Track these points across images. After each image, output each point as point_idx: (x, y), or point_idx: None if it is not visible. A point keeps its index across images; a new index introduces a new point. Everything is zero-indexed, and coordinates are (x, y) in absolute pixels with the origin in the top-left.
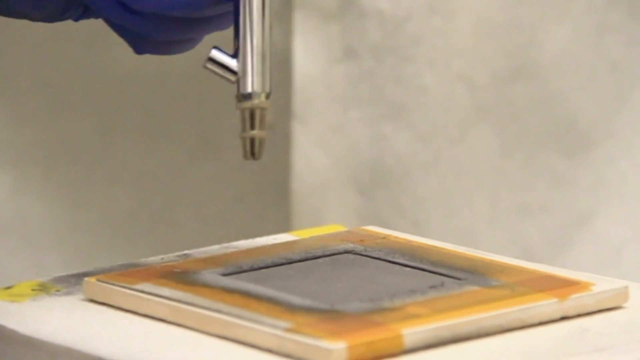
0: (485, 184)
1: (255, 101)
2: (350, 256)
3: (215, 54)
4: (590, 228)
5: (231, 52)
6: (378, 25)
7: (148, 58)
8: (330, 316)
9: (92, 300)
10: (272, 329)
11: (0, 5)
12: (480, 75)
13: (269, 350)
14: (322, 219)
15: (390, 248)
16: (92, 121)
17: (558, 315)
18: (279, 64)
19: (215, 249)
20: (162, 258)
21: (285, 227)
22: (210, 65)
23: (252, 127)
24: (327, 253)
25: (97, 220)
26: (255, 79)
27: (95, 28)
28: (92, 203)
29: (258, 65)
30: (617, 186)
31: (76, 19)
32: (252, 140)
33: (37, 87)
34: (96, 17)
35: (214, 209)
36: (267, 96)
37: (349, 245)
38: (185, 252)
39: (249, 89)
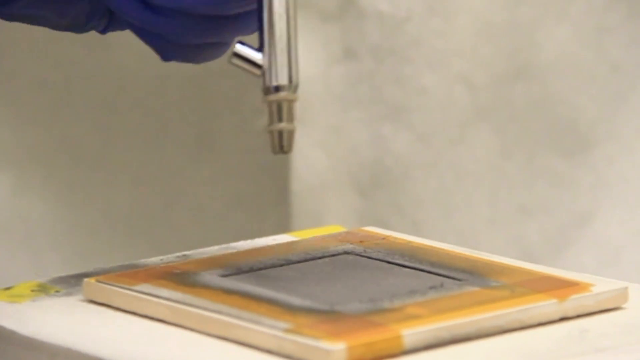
0: (485, 184)
1: (282, 94)
2: (350, 257)
3: (240, 48)
4: (590, 229)
5: (256, 46)
6: (377, 26)
7: (147, 58)
8: (329, 317)
9: (91, 301)
10: (271, 329)
11: (25, 12)
12: (480, 76)
13: (269, 351)
14: (321, 220)
15: (389, 249)
16: (92, 121)
17: (558, 316)
18: None
19: (214, 249)
20: (162, 259)
21: (285, 228)
22: (235, 60)
23: (280, 119)
24: (327, 254)
25: (97, 221)
26: (281, 71)
27: None
28: (92, 203)
29: (283, 57)
30: (617, 187)
31: (102, 31)
32: (281, 134)
33: (37, 88)
34: (122, 28)
35: (213, 209)
36: (294, 89)
37: (349, 246)
38: (185, 252)
39: (275, 82)
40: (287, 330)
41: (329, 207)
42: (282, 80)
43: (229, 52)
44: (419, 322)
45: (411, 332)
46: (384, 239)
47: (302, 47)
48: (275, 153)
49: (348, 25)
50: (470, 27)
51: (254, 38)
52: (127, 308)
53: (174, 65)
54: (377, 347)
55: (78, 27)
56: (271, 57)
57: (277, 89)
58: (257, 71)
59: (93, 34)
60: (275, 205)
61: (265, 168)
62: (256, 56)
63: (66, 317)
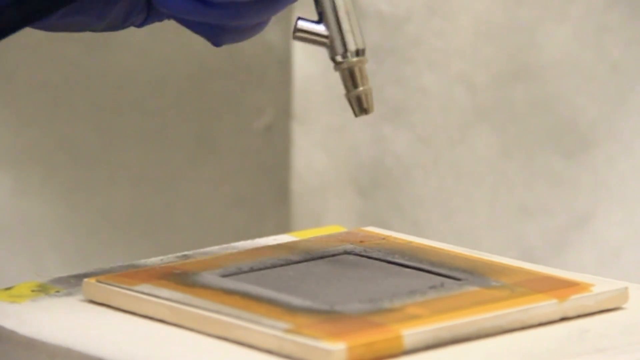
0: (485, 184)
1: (353, 59)
2: (350, 257)
3: (302, 24)
4: (590, 229)
5: (315, 18)
6: (378, 26)
7: (147, 58)
8: (330, 317)
9: (91, 301)
10: (271, 329)
11: (64, 21)
12: (480, 76)
13: (269, 351)
14: (322, 220)
15: (390, 249)
16: (92, 122)
17: (558, 316)
18: (279, 64)
19: (215, 249)
20: (162, 259)
21: (285, 228)
22: (300, 35)
23: (355, 85)
24: (327, 254)
25: (97, 221)
26: (346, 38)
27: None
28: (92, 204)
29: (346, 24)
30: (617, 187)
31: (139, 25)
32: (359, 98)
33: (37, 88)
34: (161, 19)
35: (214, 209)
36: (362, 52)
37: (349, 246)
38: (185, 253)
39: (342, 50)
40: (287, 331)
41: (329, 207)
42: (350, 46)
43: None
44: (419, 322)
45: (411, 332)
46: (384, 239)
47: (303, 46)
48: (357, 116)
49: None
50: (471, 28)
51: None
52: (127, 308)
53: (174, 65)
54: (377, 347)
55: (117, 26)
56: (333, 27)
57: (346, 55)
58: (324, 41)
59: (93, 34)
60: (275, 205)
61: (265, 168)
62: (319, 28)
63: (66, 317)
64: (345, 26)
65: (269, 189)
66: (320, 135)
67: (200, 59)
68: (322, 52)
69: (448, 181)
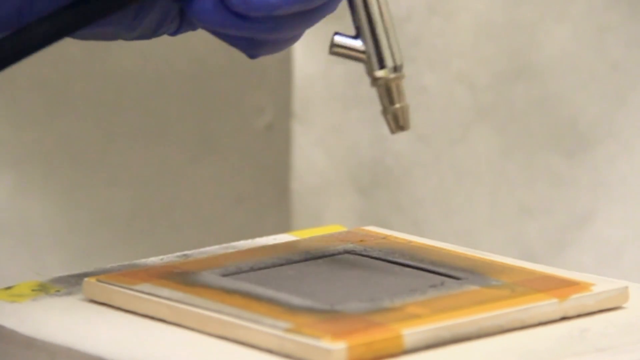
0: (485, 184)
1: (390, 76)
2: (350, 256)
3: (339, 39)
4: (590, 228)
5: (352, 33)
6: None
7: (147, 58)
8: (330, 316)
9: (92, 301)
10: (272, 329)
11: (95, 31)
12: (480, 76)
13: (269, 351)
14: (322, 219)
15: (390, 248)
16: (92, 121)
17: (558, 316)
18: (279, 64)
19: (215, 249)
20: (162, 258)
21: (285, 228)
22: (336, 50)
23: (392, 102)
24: (327, 253)
25: (97, 221)
26: (384, 54)
27: None
28: (92, 203)
29: (383, 40)
30: (617, 186)
31: (172, 34)
32: (395, 115)
33: (37, 88)
34: (194, 28)
35: (214, 209)
36: (399, 68)
37: (349, 246)
38: (185, 252)
39: (379, 66)
40: (287, 330)
41: (329, 207)
42: (387, 62)
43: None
44: (419, 321)
45: (411, 332)
46: (384, 238)
47: (303, 46)
48: (394, 133)
49: (349, 25)
50: (471, 27)
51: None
52: (127, 307)
53: (174, 65)
54: (377, 346)
55: (148, 35)
56: (370, 42)
57: (383, 72)
58: (361, 56)
59: None
60: (276, 205)
61: (265, 167)
62: (356, 44)
63: (66, 316)
64: (383, 42)
65: (269, 189)
66: (320, 134)
67: (201, 58)
68: (323, 52)
69: (448, 180)
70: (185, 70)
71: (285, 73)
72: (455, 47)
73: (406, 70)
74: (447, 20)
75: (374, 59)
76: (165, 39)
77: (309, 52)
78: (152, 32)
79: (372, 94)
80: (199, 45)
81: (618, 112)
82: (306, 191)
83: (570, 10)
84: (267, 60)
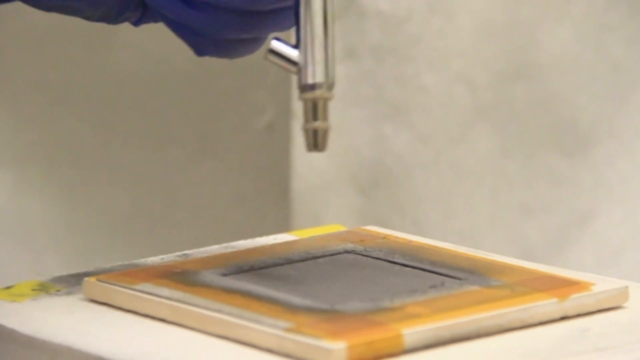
0: (486, 183)
1: (318, 92)
2: (350, 256)
3: (276, 44)
4: (590, 228)
5: (292, 42)
6: (378, 25)
7: (147, 58)
8: (330, 316)
9: (92, 300)
10: (272, 329)
11: (59, 3)
12: (480, 75)
13: (269, 350)
14: (322, 219)
15: (390, 248)
16: (92, 121)
17: (558, 315)
18: None
19: (215, 249)
20: (162, 258)
21: (285, 227)
22: (270, 57)
23: (315, 118)
24: (327, 253)
25: (97, 220)
26: (317, 69)
27: (95, 28)
28: (92, 203)
29: (320, 55)
30: (617, 186)
31: (135, 23)
32: (315, 132)
33: (37, 87)
34: (156, 20)
35: (214, 209)
36: (330, 87)
37: (349, 245)
38: (185, 252)
39: (311, 80)
40: (287, 330)
41: (329, 207)
42: (319, 78)
43: (264, 49)
44: (419, 321)
45: (412, 331)
46: (384, 238)
47: None
48: (309, 151)
49: (349, 25)
50: (471, 27)
51: (288, 35)
52: (127, 307)
53: (174, 65)
54: (377, 346)
55: (111, 18)
56: (307, 55)
57: (313, 87)
58: (292, 68)
59: (93, 34)
60: (276, 204)
61: (265, 167)
62: (292, 53)
63: (66, 316)
64: (319, 57)
65: (270, 188)
66: None
67: (201, 58)
68: None
69: (448, 180)
70: (185, 70)
71: (285, 73)
72: (455, 47)
73: (406, 70)
74: (447, 20)
75: (308, 72)
76: (165, 38)
77: None
78: (115, 16)
79: (372, 94)
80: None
81: (618, 112)
82: (306, 191)
83: (570, 10)
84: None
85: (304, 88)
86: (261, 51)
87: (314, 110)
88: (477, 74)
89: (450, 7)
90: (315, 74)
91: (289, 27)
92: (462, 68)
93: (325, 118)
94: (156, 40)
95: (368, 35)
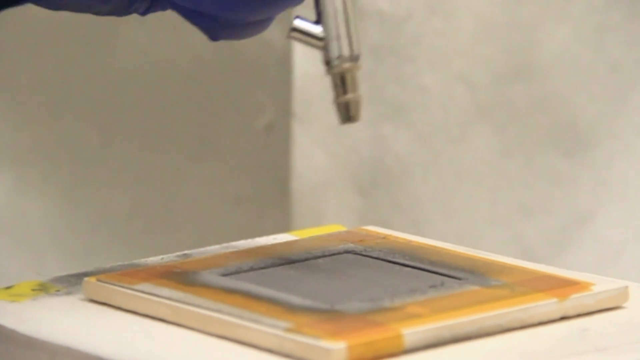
0: (485, 184)
1: (345, 65)
2: (350, 256)
3: (299, 23)
4: (590, 228)
5: (313, 19)
6: (378, 25)
7: (147, 58)
8: (330, 316)
9: (92, 300)
10: (272, 329)
11: (69, 1)
12: (480, 76)
13: (269, 350)
14: (322, 219)
15: (390, 248)
16: (92, 121)
17: (558, 315)
18: (279, 64)
19: (215, 249)
20: (162, 258)
21: (285, 227)
22: (294, 34)
23: (345, 91)
24: (327, 253)
25: (97, 220)
26: (341, 42)
27: (96, 28)
28: (92, 203)
29: (343, 28)
30: (617, 186)
31: (143, 13)
32: (347, 105)
33: (37, 87)
34: (164, 8)
35: (214, 209)
36: (356, 59)
37: (349, 245)
38: (185, 252)
39: (336, 54)
40: (287, 330)
41: (329, 207)
42: (344, 51)
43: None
44: (419, 321)
45: (411, 331)
46: (384, 238)
47: (303, 45)
48: (343, 123)
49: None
50: (471, 27)
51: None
52: (127, 307)
53: (174, 65)
54: (377, 346)
55: (121, 11)
56: (331, 29)
57: (339, 60)
58: (319, 43)
59: (93, 34)
60: (276, 204)
61: (265, 167)
62: (315, 29)
63: (66, 316)
64: (343, 29)
65: (269, 188)
66: (320, 134)
67: (201, 58)
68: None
69: (448, 180)
70: (185, 70)
71: (285, 73)
72: (455, 47)
73: (406, 70)
74: (447, 20)
75: (332, 46)
76: (165, 38)
77: (309, 52)
78: (125, 8)
79: (372, 94)
80: (199, 44)
81: (618, 112)
82: (306, 191)
83: (570, 10)
84: (267, 60)
85: (330, 63)
86: (261, 51)
87: (343, 84)
88: (477, 74)
89: (450, 7)
90: (341, 47)
91: (300, 3)
92: (462, 68)
93: (354, 90)
94: (156, 40)
95: (368, 35)
